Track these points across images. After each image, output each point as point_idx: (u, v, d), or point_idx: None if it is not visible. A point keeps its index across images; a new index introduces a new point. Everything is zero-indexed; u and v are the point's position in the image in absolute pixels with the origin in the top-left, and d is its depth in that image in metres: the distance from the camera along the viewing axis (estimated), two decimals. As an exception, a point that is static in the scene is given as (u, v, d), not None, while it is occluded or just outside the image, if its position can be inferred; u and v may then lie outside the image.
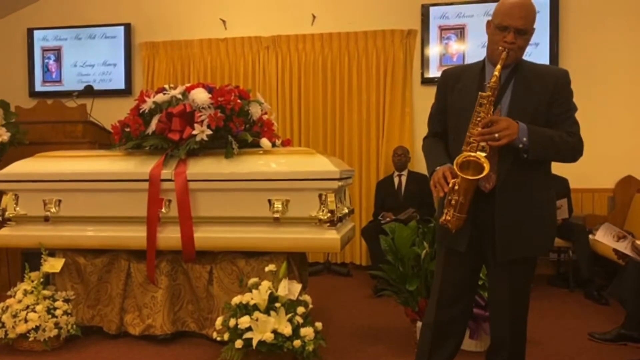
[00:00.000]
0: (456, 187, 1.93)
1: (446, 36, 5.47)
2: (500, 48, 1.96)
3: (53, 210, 3.28)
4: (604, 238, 2.96)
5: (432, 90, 2.38)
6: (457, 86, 2.12)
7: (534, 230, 2.04)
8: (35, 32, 6.15)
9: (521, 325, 2.15)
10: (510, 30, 1.95)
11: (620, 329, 3.25)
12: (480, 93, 1.96)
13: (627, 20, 5.15)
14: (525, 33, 1.98)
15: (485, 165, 1.90)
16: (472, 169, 1.92)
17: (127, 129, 3.34)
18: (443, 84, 2.19)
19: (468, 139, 1.96)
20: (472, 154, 1.93)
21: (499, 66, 1.94)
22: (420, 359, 2.25)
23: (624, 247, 2.92)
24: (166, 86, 3.35)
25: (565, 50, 5.23)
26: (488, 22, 2.06)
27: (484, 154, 1.92)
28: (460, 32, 5.42)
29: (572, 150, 2.03)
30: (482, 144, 1.93)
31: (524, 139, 1.92)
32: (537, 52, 5.16)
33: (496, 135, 1.90)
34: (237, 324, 2.75)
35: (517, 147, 1.94)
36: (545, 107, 2.00)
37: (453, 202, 1.95)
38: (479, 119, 1.95)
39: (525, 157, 1.95)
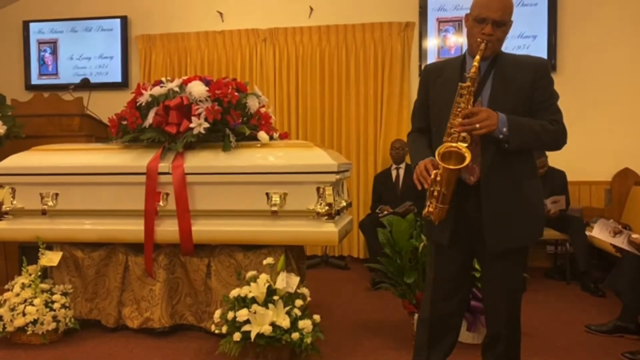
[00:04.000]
0: (438, 178, 1.94)
1: (444, 28, 5.46)
2: (478, 40, 1.96)
3: (50, 203, 3.28)
4: (600, 234, 2.97)
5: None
6: (438, 80, 2.13)
7: (522, 220, 2.04)
8: (31, 25, 6.11)
9: (516, 316, 2.15)
10: (488, 22, 1.96)
11: (616, 320, 3.27)
12: (460, 84, 1.97)
13: (625, 13, 5.14)
14: (503, 25, 1.98)
15: (466, 155, 1.90)
16: (453, 159, 1.92)
17: (124, 122, 3.33)
18: (425, 78, 2.21)
19: (449, 130, 1.97)
20: (454, 144, 1.94)
21: (477, 57, 1.95)
22: (419, 354, 2.26)
23: (620, 242, 2.93)
24: (163, 79, 3.34)
25: (563, 43, 5.22)
26: (466, 15, 2.06)
27: (465, 145, 1.93)
28: (458, 24, 5.41)
29: (555, 139, 2.04)
30: (463, 134, 1.93)
31: (504, 129, 1.92)
32: (535, 45, 5.15)
33: (476, 125, 1.90)
34: (235, 317, 2.75)
35: (498, 138, 1.94)
36: (526, 96, 2.01)
37: (435, 193, 1.96)
38: (459, 109, 1.96)
39: (506, 147, 1.96)
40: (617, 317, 3.28)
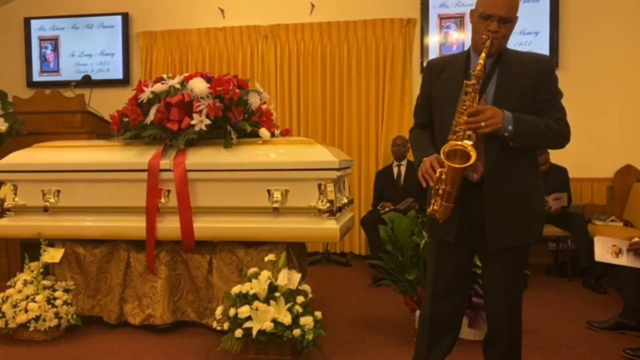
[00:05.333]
0: (443, 177, 1.93)
1: (446, 25, 5.44)
2: (484, 37, 1.96)
3: (52, 200, 3.28)
4: (603, 257, 2.96)
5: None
6: (442, 76, 2.12)
7: (523, 219, 2.04)
8: (32, 22, 6.11)
9: (517, 313, 2.15)
10: (493, 19, 1.95)
11: (618, 317, 3.27)
12: (465, 81, 1.96)
13: (627, 9, 5.12)
14: (508, 21, 1.97)
15: (471, 153, 1.90)
16: (458, 157, 1.92)
17: (126, 119, 3.33)
18: (428, 74, 2.20)
19: (454, 128, 1.97)
20: (459, 142, 1.93)
21: (483, 54, 1.94)
22: (419, 352, 2.26)
23: (625, 261, 2.93)
24: (164, 76, 3.34)
25: (565, 39, 5.21)
26: (471, 12, 2.05)
27: (470, 143, 1.92)
28: (459, 20, 5.39)
29: (559, 137, 2.03)
30: (469, 132, 1.93)
31: (510, 127, 1.92)
32: (537, 41, 5.14)
33: (482, 124, 1.90)
34: (237, 314, 2.76)
35: (503, 136, 1.94)
36: (531, 94, 2.01)
37: (440, 191, 1.95)
38: (464, 107, 1.95)
39: (511, 146, 1.96)
40: (618, 314, 3.28)
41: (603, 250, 2.98)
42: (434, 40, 5.47)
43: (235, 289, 2.87)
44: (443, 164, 1.93)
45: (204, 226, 3.14)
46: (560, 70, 5.04)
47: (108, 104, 4.47)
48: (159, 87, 3.22)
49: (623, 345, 2.97)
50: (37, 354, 2.99)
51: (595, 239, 3.05)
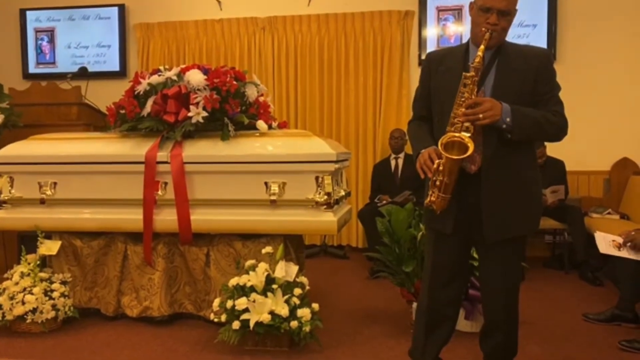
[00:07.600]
0: (441, 168, 1.94)
1: (444, 17, 5.42)
2: (483, 29, 1.96)
3: (49, 192, 3.27)
4: (607, 250, 3.00)
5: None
6: (440, 68, 2.13)
7: (521, 210, 2.05)
8: (28, 13, 6.06)
9: (514, 305, 2.16)
10: (493, 12, 1.95)
11: (614, 309, 3.28)
12: (464, 74, 1.97)
13: (625, 2, 5.11)
14: (508, 14, 1.98)
15: (469, 145, 1.91)
16: (456, 149, 1.93)
17: (122, 111, 3.31)
18: (427, 67, 2.20)
19: (452, 120, 1.97)
20: (457, 134, 1.94)
21: (482, 46, 1.94)
22: (416, 343, 2.28)
23: (627, 254, 2.96)
24: (161, 67, 3.33)
25: (563, 32, 5.20)
26: (471, 4, 2.06)
27: (468, 134, 1.93)
28: (457, 13, 5.37)
29: (557, 130, 2.04)
30: (466, 124, 1.93)
31: (508, 119, 1.93)
32: (535, 34, 5.13)
33: (480, 115, 1.91)
34: (234, 306, 2.76)
35: (501, 128, 1.94)
36: (529, 87, 2.01)
37: (438, 182, 1.96)
38: (462, 99, 1.96)
39: (509, 138, 1.96)
40: (614, 306, 3.30)
41: (605, 244, 3.00)
42: (432, 32, 5.45)
43: (233, 281, 2.87)
44: (441, 156, 1.94)
45: (201, 218, 3.13)
46: (558, 63, 5.03)
47: (105, 96, 4.44)
48: (155, 79, 3.21)
49: (619, 337, 2.99)
50: (35, 346, 2.99)
51: (596, 235, 3.07)
